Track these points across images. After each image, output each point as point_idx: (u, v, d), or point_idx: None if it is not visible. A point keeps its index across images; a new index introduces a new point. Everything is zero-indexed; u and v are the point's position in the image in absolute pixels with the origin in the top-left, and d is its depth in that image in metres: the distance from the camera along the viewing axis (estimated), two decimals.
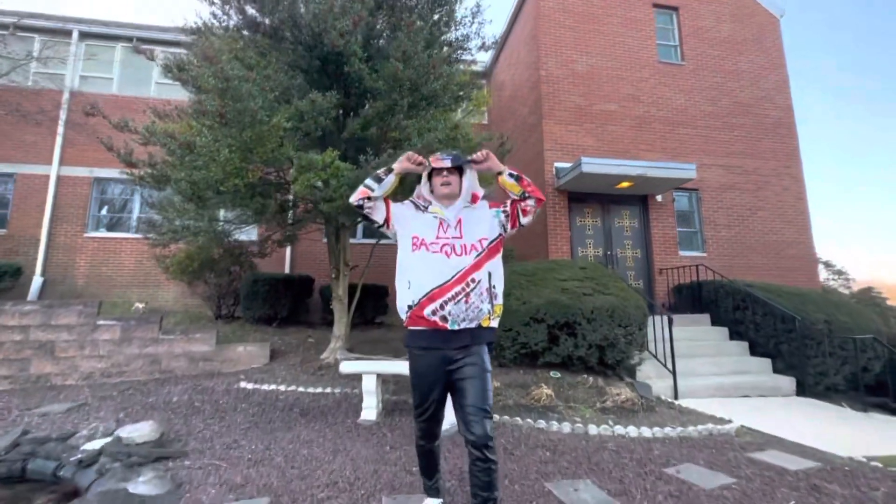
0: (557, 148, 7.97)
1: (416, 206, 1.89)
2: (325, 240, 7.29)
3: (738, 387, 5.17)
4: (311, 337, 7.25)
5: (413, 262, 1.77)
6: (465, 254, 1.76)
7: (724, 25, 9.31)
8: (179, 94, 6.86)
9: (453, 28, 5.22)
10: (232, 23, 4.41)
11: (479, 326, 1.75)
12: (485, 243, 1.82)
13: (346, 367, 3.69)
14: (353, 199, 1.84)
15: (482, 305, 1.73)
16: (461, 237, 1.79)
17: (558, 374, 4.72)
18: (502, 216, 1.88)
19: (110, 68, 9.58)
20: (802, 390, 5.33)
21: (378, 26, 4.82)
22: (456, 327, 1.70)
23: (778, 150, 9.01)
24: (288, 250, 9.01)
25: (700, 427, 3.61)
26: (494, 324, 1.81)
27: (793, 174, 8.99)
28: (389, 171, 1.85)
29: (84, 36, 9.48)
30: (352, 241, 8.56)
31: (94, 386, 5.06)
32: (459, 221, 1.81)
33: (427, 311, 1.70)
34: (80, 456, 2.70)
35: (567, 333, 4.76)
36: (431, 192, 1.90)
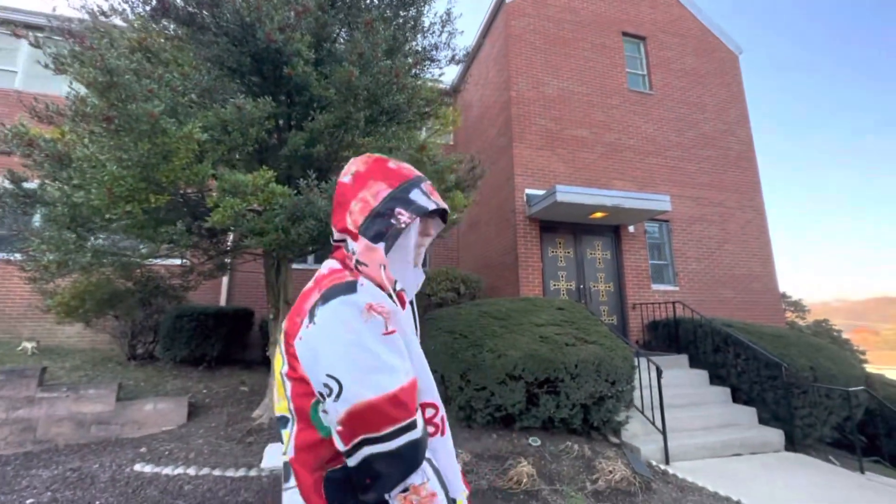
0: (528, 173, 7.49)
1: (391, 300, 0.83)
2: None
3: (728, 444, 4.68)
4: (244, 384, 6.13)
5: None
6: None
7: (688, 58, 9.37)
8: None
9: (420, 36, 4.56)
10: (140, 10, 3.49)
11: None
12: None
13: (270, 458, 2.76)
14: None
15: None
16: None
17: (538, 441, 3.99)
18: None
19: (14, 60, 8.14)
20: (791, 443, 4.92)
21: (333, 26, 4.05)
22: None
23: (741, 182, 9.05)
24: (225, 278, 7.83)
25: None
26: None
27: (755, 206, 9.03)
28: None
29: None
30: (297, 267, 7.56)
31: None
32: None
33: None
34: None
35: (547, 392, 4.07)
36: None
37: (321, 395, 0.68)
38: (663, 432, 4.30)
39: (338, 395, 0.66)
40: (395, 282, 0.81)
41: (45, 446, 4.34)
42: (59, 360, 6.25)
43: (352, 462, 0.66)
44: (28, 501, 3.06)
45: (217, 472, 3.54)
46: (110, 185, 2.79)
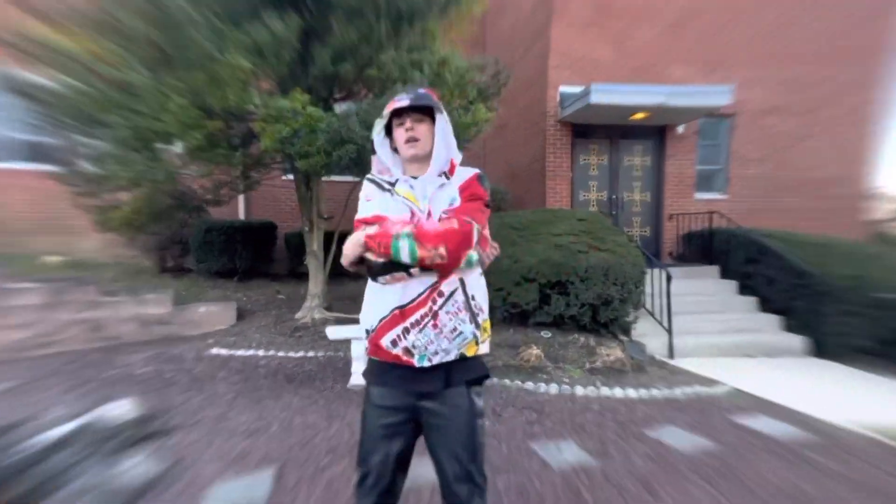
0: (565, 64, 8.09)
1: (379, 186, 1.61)
2: (289, 176, 7.57)
3: (740, 346, 6.07)
4: (280, 292, 7.97)
5: None
6: None
7: None
8: None
9: None
10: None
11: (462, 358, 1.51)
12: None
13: (333, 333, 4.41)
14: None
15: (462, 327, 1.49)
16: None
17: (549, 334, 5.58)
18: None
19: None
20: (820, 351, 6.00)
21: None
22: (426, 363, 1.47)
23: (868, 48, 8.73)
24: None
25: (687, 389, 4.52)
26: (484, 349, 1.60)
27: (873, 83, 8.85)
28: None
29: None
30: (324, 178, 8.95)
31: (20, 360, 5.15)
32: (429, 211, 1.53)
33: (386, 341, 1.49)
34: (42, 445, 2.88)
35: (559, 293, 5.54)
36: (395, 152, 1.65)
37: None
38: (669, 331, 5.77)
39: None
40: (384, 168, 1.66)
41: (114, 342, 5.96)
42: (94, 273, 8.04)
43: None
44: (137, 370, 4.91)
45: (281, 354, 5.35)
46: (178, 115, 4.12)
